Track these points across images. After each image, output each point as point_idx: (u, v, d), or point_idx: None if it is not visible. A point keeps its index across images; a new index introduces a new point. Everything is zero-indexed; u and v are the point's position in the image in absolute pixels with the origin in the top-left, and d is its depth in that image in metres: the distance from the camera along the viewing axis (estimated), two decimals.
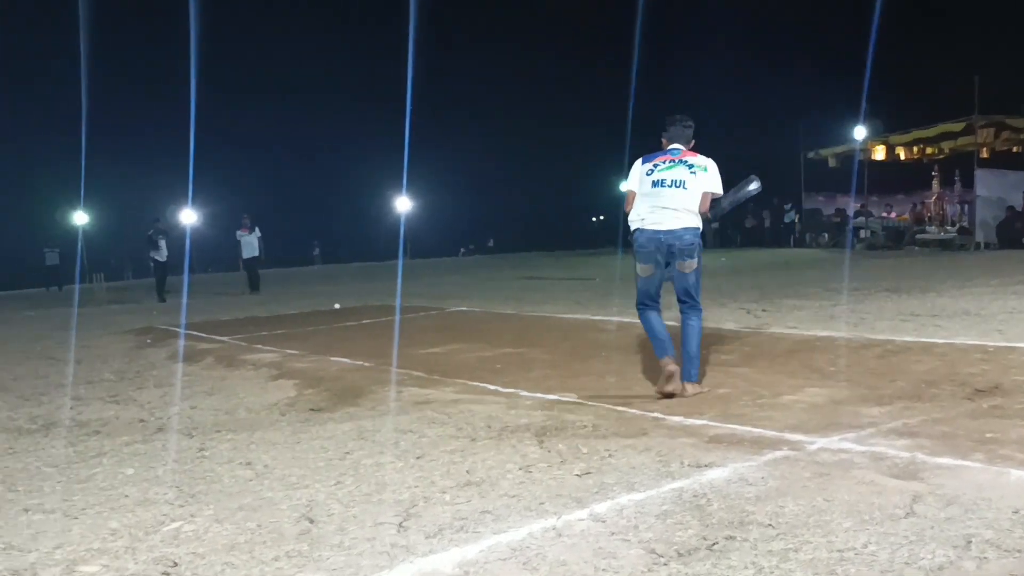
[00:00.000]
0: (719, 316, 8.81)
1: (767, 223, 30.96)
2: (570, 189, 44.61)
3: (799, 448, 3.68)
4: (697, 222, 5.21)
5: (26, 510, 3.52)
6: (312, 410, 5.20)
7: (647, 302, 5.45)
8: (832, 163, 25.91)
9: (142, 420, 5.25)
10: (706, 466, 3.49)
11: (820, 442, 3.75)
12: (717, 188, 5.28)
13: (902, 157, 25.37)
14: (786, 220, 29.58)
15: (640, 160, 5.40)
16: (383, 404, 5.25)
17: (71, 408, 5.83)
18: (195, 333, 10.31)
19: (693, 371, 5.15)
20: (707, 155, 5.35)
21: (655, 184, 5.21)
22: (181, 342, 9.43)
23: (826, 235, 26.10)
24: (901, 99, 27.69)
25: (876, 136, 24.06)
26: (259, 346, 8.59)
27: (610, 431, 4.18)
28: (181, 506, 3.44)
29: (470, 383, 5.75)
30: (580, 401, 4.96)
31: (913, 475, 3.21)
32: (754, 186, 5.67)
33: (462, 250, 44.99)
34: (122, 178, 35.89)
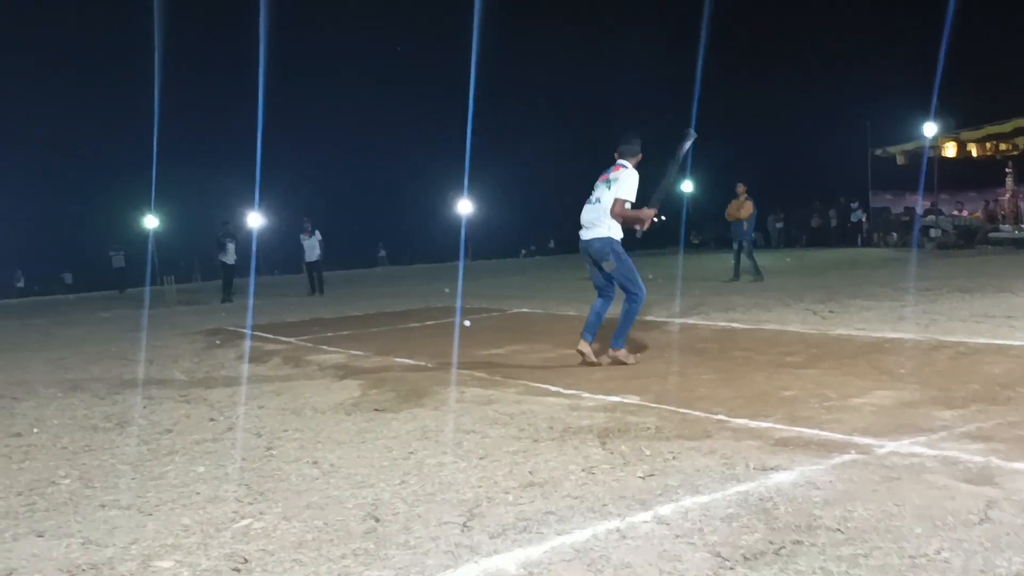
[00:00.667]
0: (784, 317, 8.69)
1: (833, 222, 30.40)
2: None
3: (868, 452, 3.61)
4: (605, 232, 6.33)
5: (103, 506, 3.63)
6: (376, 410, 5.27)
7: (598, 291, 6.79)
8: (900, 160, 25.32)
9: (212, 419, 5.38)
10: (772, 469, 3.44)
11: (890, 446, 3.67)
12: (624, 194, 6.30)
13: (974, 154, 24.68)
14: (853, 219, 29.01)
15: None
16: (446, 404, 5.29)
17: (144, 407, 5.99)
18: (262, 334, 10.51)
19: (618, 341, 6.49)
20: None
21: (589, 202, 6.50)
22: (248, 343, 9.62)
23: (895, 234, 25.52)
24: (973, 94, 26.95)
25: (947, 132, 23.44)
26: (324, 347, 8.72)
27: (673, 433, 4.15)
28: (250, 503, 3.51)
29: (532, 384, 5.76)
30: (643, 403, 4.93)
31: (988, 480, 3.13)
32: (689, 141, 6.80)
33: (523, 251, 45.04)
34: (191, 182, 36.75)
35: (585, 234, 6.47)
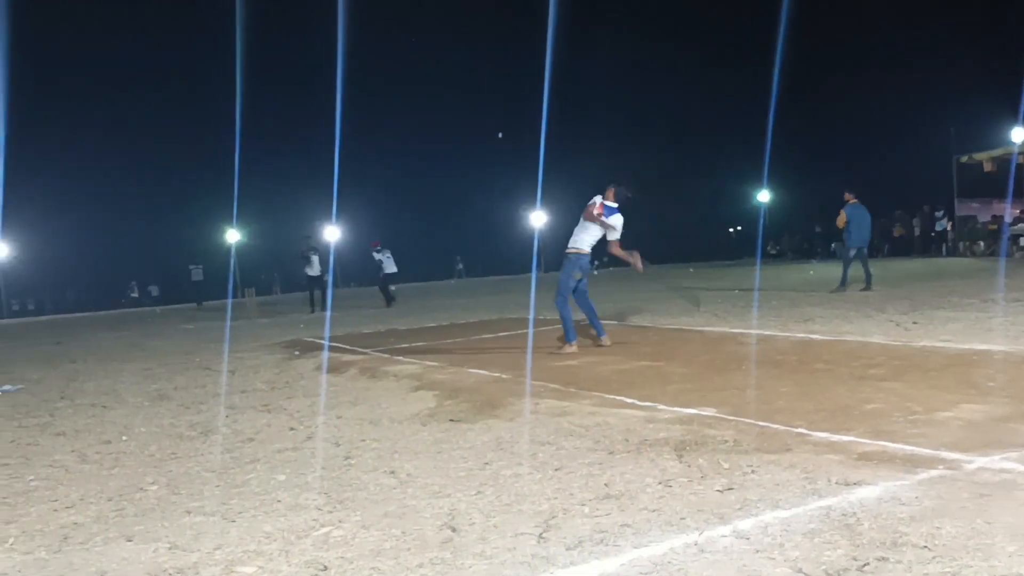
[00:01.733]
0: (865, 328, 8.48)
1: (917, 231, 29.56)
2: (706, 199, 43.94)
3: (956, 467, 3.49)
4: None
5: (188, 512, 3.73)
6: (452, 421, 5.30)
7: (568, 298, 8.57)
8: (987, 167, 24.51)
9: (292, 428, 5.48)
10: (855, 484, 3.36)
11: (979, 461, 3.55)
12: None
13: None
14: (937, 228, 28.16)
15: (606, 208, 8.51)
16: (520, 416, 5.30)
17: (227, 416, 6.14)
18: (339, 345, 10.68)
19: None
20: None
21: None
22: (326, 354, 9.79)
23: (982, 243, 24.69)
24: None
25: None
26: (400, 358, 8.83)
27: (752, 446, 4.08)
28: (330, 512, 3.56)
29: (607, 396, 5.73)
30: (720, 415, 4.86)
31: None
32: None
33: (596, 263, 44.92)
34: (270, 198, 37.65)
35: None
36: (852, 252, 14.16)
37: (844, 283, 13.76)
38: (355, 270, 37.33)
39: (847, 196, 14.29)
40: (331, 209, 21.96)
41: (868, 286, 13.50)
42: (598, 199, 8.52)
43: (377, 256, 20.54)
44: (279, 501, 3.79)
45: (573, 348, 8.29)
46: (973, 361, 6.11)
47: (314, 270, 19.47)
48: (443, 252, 42.78)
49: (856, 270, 13.94)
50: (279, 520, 3.51)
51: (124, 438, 5.57)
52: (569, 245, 8.55)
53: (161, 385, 8.08)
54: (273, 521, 3.50)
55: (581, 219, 8.51)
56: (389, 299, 20.01)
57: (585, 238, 8.50)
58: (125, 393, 7.71)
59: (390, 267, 20.51)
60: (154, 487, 4.22)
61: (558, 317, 8.59)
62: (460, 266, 42.64)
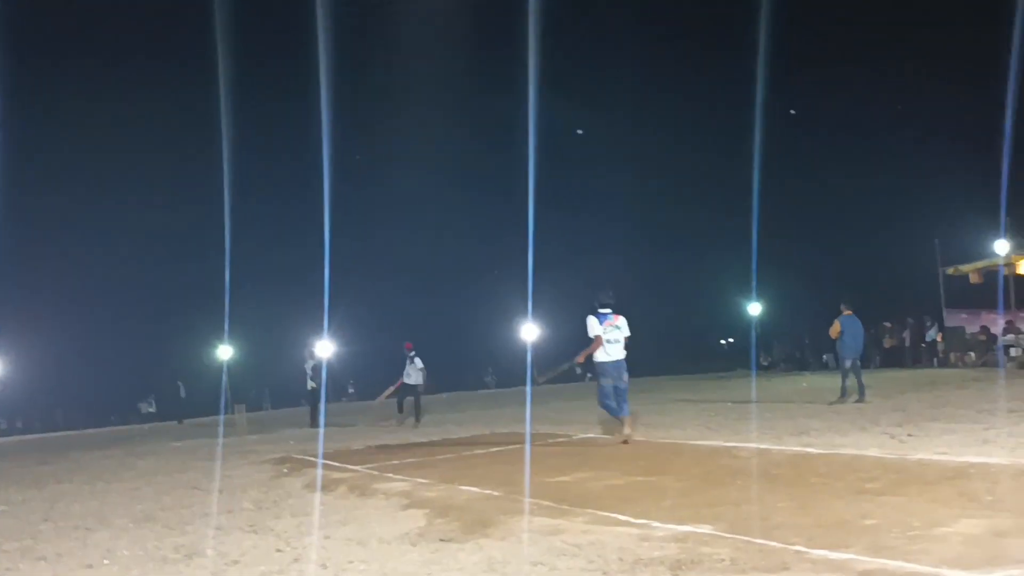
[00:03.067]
0: (860, 441, 8.42)
1: (907, 342, 29.67)
2: (695, 309, 44.15)
3: None
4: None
5: None
6: (442, 540, 5.19)
7: (611, 397, 10.15)
8: (974, 279, 24.82)
9: (279, 550, 5.35)
10: None
11: None
12: (628, 332, 10.26)
13: None
14: (928, 339, 28.28)
15: (596, 318, 10.07)
16: (513, 535, 5.19)
17: (212, 537, 6.00)
18: (329, 462, 10.52)
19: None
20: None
21: (608, 341, 10.03)
22: (316, 471, 9.64)
23: (972, 354, 24.77)
24: None
25: (1020, 250, 22.99)
26: (390, 475, 8.69)
27: (749, 565, 3.99)
28: None
29: (600, 513, 5.63)
30: (715, 532, 4.77)
31: None
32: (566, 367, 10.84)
33: (588, 376, 44.74)
34: (260, 313, 37.70)
35: (616, 355, 10.12)
36: (848, 363, 14.16)
37: (844, 394, 13.74)
38: (348, 382, 37.18)
39: (843, 308, 14.40)
40: (323, 323, 21.92)
41: (861, 398, 13.46)
42: (591, 319, 10.09)
43: (409, 363, 17.89)
44: None
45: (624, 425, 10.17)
46: (971, 474, 6.05)
47: (315, 383, 19.37)
48: (438, 365, 42.63)
49: (851, 381, 13.92)
50: None
51: (106, 562, 5.43)
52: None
53: (147, 506, 7.92)
54: None
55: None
56: (417, 415, 17.48)
57: (603, 350, 10.03)
58: (110, 514, 7.55)
59: (414, 379, 17.90)
60: None
61: (551, 431, 9.18)
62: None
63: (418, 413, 17.55)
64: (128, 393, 38.28)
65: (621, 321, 10.09)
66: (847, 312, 14.29)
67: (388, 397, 18.48)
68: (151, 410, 36.09)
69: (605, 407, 10.20)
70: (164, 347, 37.74)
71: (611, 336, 10.03)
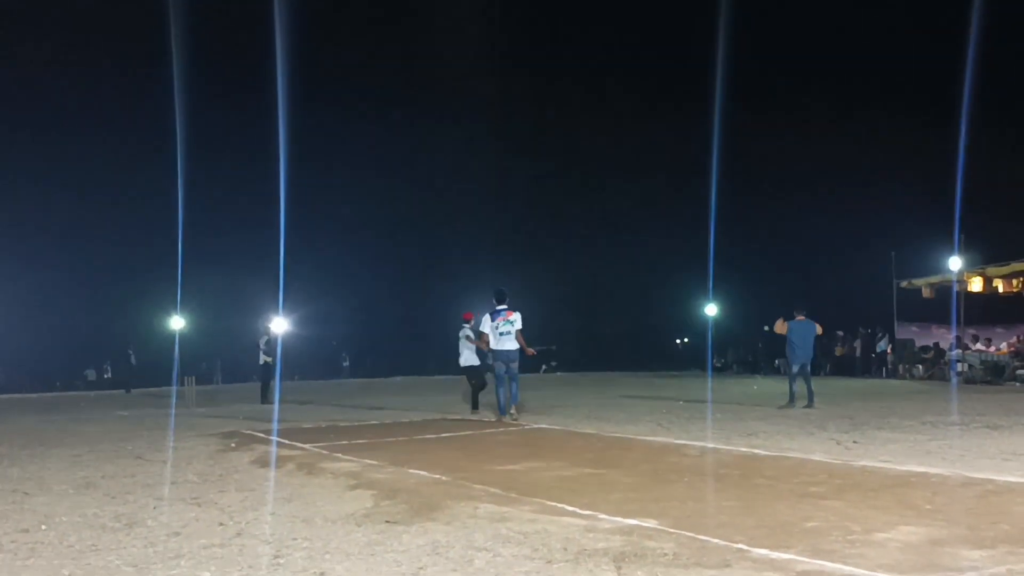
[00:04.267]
0: (807, 446, 8.54)
1: (858, 352, 30.15)
2: (652, 308, 44.43)
3: None
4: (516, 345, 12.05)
5: None
6: (388, 522, 5.17)
7: (503, 383, 12.16)
8: (926, 293, 25.27)
9: (221, 524, 5.29)
10: None
11: None
12: (520, 326, 12.04)
13: (1000, 289, 24.59)
14: (878, 349, 28.77)
15: (489, 315, 12.17)
16: (458, 520, 5.19)
17: (154, 508, 5.92)
18: (279, 439, 10.44)
19: (512, 405, 12.18)
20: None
21: (501, 333, 12.02)
22: (266, 447, 9.56)
23: (920, 367, 25.25)
24: (999, 230, 27.05)
25: (973, 267, 23.45)
26: (339, 455, 8.64)
27: (692, 560, 4.03)
28: None
29: (548, 503, 5.65)
30: (661, 527, 4.81)
31: None
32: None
33: (544, 367, 44.88)
34: (213, 285, 37.20)
35: (507, 345, 12.03)
36: (795, 368, 14.29)
37: (792, 399, 13.87)
38: (302, 361, 36.83)
39: (796, 313, 14.45)
40: (278, 297, 21.68)
41: (810, 403, 13.63)
42: (485, 317, 12.29)
43: (463, 334, 13.94)
44: None
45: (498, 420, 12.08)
46: (912, 483, 6.17)
47: (268, 358, 19.13)
48: (395, 350, 42.31)
49: (799, 387, 14.07)
50: None
51: (43, 527, 5.33)
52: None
53: (88, 473, 7.79)
54: None
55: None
56: (476, 396, 13.92)
57: (496, 341, 12.08)
58: (50, 480, 7.41)
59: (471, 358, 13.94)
60: None
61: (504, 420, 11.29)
62: (346, 363, 41.62)
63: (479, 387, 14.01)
64: (74, 359, 37.62)
65: (515, 316, 12.02)
66: (800, 317, 14.38)
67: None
68: (107, 376, 35.46)
69: (497, 396, 12.26)
70: (114, 314, 37.15)
71: (503, 329, 12.00)
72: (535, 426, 11.50)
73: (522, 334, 12.12)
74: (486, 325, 12.13)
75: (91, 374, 36.87)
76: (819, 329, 14.55)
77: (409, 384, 29.07)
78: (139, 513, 5.74)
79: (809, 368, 14.32)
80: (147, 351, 31.51)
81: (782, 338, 14.54)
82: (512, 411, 12.12)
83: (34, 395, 29.53)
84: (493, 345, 12.10)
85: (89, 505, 6.07)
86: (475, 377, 13.80)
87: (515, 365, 12.13)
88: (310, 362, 37.46)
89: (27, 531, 5.20)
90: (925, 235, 25.85)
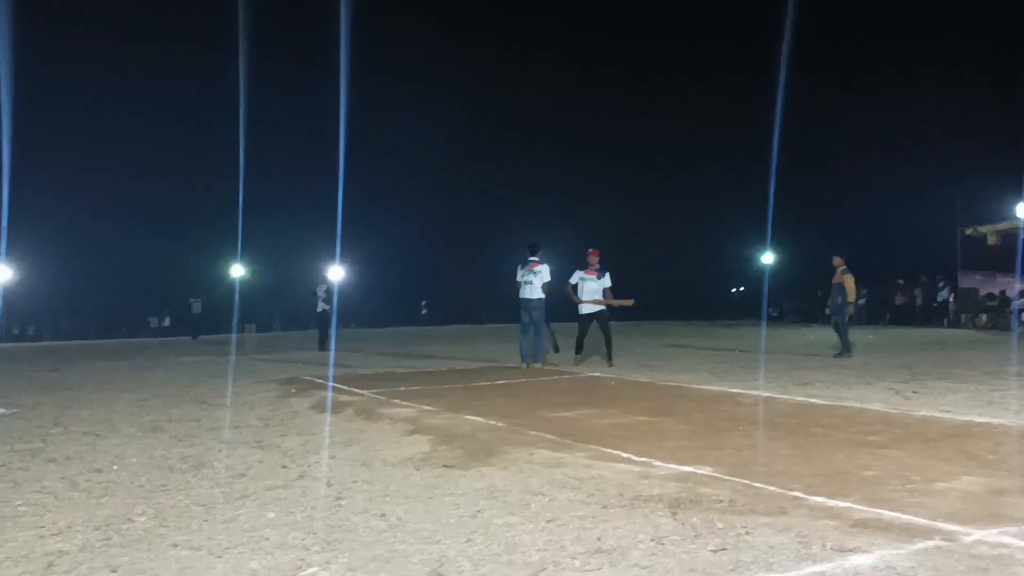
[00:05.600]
0: (865, 395, 8.44)
1: (919, 301, 29.58)
2: (709, 257, 44.03)
3: (953, 539, 3.45)
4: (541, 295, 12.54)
5: (175, 545, 3.68)
6: (445, 466, 5.26)
7: (526, 331, 12.65)
8: (992, 240, 24.60)
9: (284, 466, 5.44)
10: (850, 551, 3.32)
11: (977, 534, 3.51)
12: (547, 278, 12.50)
13: None
14: (939, 299, 28.19)
15: (520, 265, 12.71)
16: (515, 465, 5.26)
17: (220, 451, 6.09)
18: (337, 385, 10.64)
19: (541, 355, 12.78)
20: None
21: (525, 282, 12.58)
22: (325, 393, 9.75)
23: (983, 316, 24.69)
24: None
25: None
26: (397, 401, 8.79)
27: (747, 507, 4.04)
28: (318, 552, 3.52)
29: (602, 449, 5.69)
30: (716, 474, 4.82)
31: None
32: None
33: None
34: (276, 234, 37.77)
35: (529, 294, 12.54)
36: (843, 318, 14.11)
37: (848, 348, 13.73)
38: (360, 311, 37.31)
39: (837, 262, 14.20)
40: (335, 249, 21.94)
41: (837, 352, 13.50)
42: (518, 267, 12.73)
43: (576, 279, 12.96)
44: (267, 539, 3.74)
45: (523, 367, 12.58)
46: (973, 433, 6.08)
47: (326, 306, 19.46)
48: (412, 294, 42.60)
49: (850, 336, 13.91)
50: (266, 558, 3.46)
51: (115, 468, 5.52)
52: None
53: (155, 416, 8.04)
54: (260, 559, 3.46)
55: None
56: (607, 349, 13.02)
57: (521, 289, 12.63)
58: (119, 423, 7.66)
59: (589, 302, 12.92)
60: (142, 518, 4.17)
61: (557, 368, 11.26)
62: (425, 311, 42.02)
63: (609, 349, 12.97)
64: (139, 307, 38.63)
65: (541, 268, 12.48)
66: (842, 267, 14.13)
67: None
68: (166, 324, 36.37)
69: (520, 344, 12.78)
70: (176, 263, 37.95)
71: (527, 279, 12.51)
72: (589, 374, 11.54)
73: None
74: (519, 273, 12.65)
75: (154, 321, 37.84)
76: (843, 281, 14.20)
77: (464, 333, 29.32)
78: (205, 455, 5.92)
79: (844, 319, 14.08)
80: (209, 299, 32.23)
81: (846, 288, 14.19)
82: (531, 362, 12.63)
83: (101, 342, 30.45)
84: (519, 294, 12.60)
85: (157, 447, 6.28)
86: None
87: (537, 314, 12.51)
88: (372, 309, 37.96)
89: (100, 471, 5.40)
90: (991, 180, 25.11)
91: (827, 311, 14.21)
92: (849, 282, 14.04)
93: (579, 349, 13.10)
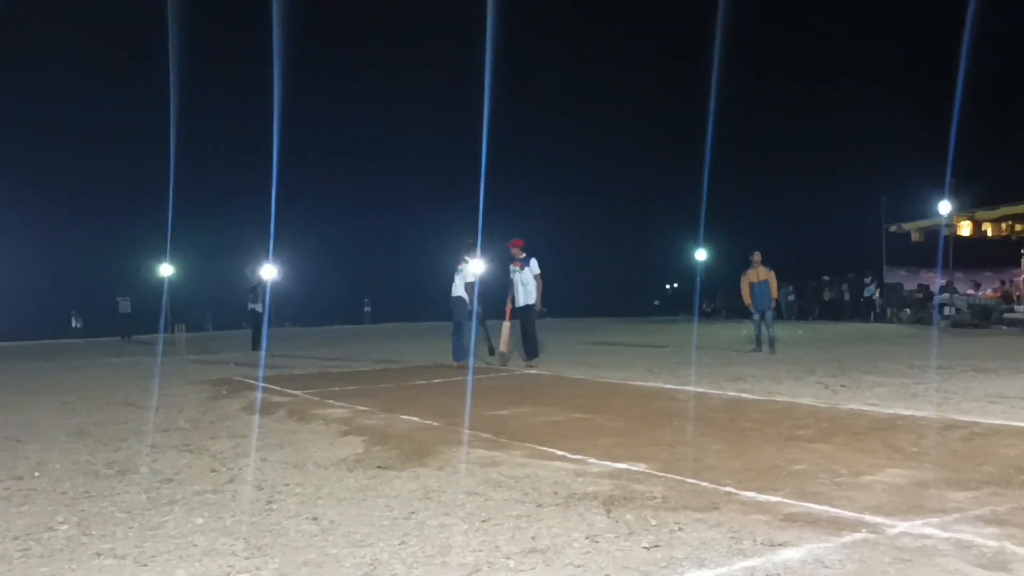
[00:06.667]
0: (795, 390, 8.61)
1: (846, 296, 30.30)
2: (642, 254, 44.52)
3: (879, 531, 3.53)
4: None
5: (98, 554, 3.57)
6: (379, 467, 5.21)
7: (457, 331, 12.49)
8: (916, 237, 25.33)
9: (214, 470, 5.32)
10: (780, 545, 3.37)
11: (902, 526, 3.59)
12: (469, 279, 12.58)
13: (989, 234, 24.65)
14: (866, 294, 28.92)
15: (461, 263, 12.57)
16: (450, 465, 5.23)
17: (147, 455, 5.94)
18: (269, 386, 10.47)
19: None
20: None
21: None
22: (255, 394, 9.59)
23: (908, 310, 25.41)
24: (989, 174, 27.08)
25: (962, 211, 23.48)
26: (330, 401, 8.68)
27: (680, 503, 4.07)
28: (247, 558, 3.45)
29: (538, 447, 5.69)
30: (649, 471, 4.86)
31: (1002, 566, 3.05)
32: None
33: (543, 311, 44.95)
34: (204, 233, 37.05)
35: (458, 292, 12.60)
36: (756, 316, 14.46)
37: (758, 344, 14.09)
38: (292, 309, 36.80)
39: (756, 257, 14.55)
40: (268, 245, 21.55)
41: (769, 349, 13.78)
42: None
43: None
44: (195, 545, 3.65)
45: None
46: (898, 426, 6.23)
47: (259, 307, 19.14)
48: (355, 295, 42.27)
49: (764, 332, 14.22)
50: (194, 565, 3.38)
51: (36, 474, 5.35)
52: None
53: (80, 420, 7.81)
54: (187, 566, 3.37)
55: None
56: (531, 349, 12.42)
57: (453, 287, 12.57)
58: (41, 427, 7.43)
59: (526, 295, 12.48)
60: (64, 527, 4.04)
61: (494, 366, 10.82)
62: (367, 309, 41.76)
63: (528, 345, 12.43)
64: (64, 308, 37.49)
65: (465, 267, 12.51)
66: (758, 262, 14.49)
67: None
68: (78, 325, 35.27)
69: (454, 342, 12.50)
70: (104, 262, 36.97)
71: (456, 279, 12.57)
72: (525, 372, 11.56)
73: (472, 287, 12.60)
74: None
75: (77, 321, 36.73)
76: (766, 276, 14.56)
77: (404, 331, 29.15)
78: (132, 460, 5.76)
79: (770, 315, 14.42)
80: (138, 299, 31.47)
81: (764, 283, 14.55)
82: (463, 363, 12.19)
83: (22, 343, 29.51)
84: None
85: (81, 452, 6.09)
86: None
87: (468, 311, 12.50)
88: (312, 308, 37.51)
89: (21, 478, 5.22)
90: (915, 180, 25.86)
91: (753, 307, 14.41)
92: (774, 278, 14.40)
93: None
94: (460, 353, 12.33)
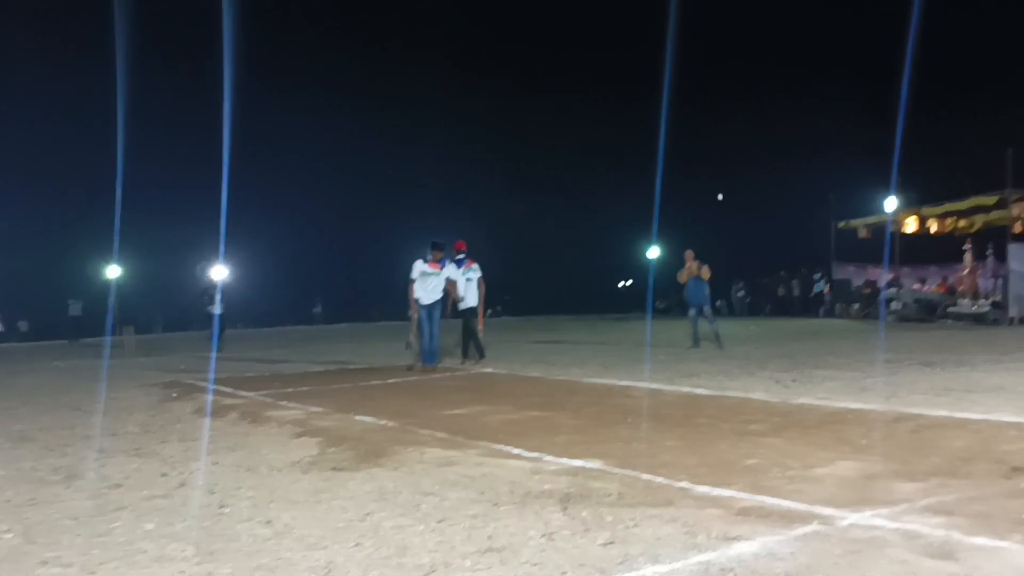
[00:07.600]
0: (748, 385, 8.70)
1: (796, 292, 30.75)
2: (596, 251, 44.66)
3: (830, 523, 3.58)
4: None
5: (44, 563, 3.49)
6: (334, 469, 5.16)
7: (424, 333, 12.05)
8: (862, 233, 25.78)
9: (164, 474, 5.23)
10: (734, 539, 3.40)
11: (852, 518, 3.65)
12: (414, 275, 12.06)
13: (934, 229, 25.17)
14: (816, 290, 29.37)
15: (422, 262, 12.05)
16: (405, 465, 5.19)
17: (94, 460, 5.82)
18: (221, 388, 10.32)
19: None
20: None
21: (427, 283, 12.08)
22: (206, 396, 9.44)
23: (856, 305, 25.86)
24: (933, 171, 27.64)
25: (907, 208, 23.96)
26: (284, 402, 8.58)
27: (636, 500, 4.10)
28: (198, 564, 3.39)
29: (494, 446, 5.69)
30: (605, 468, 4.87)
31: (948, 555, 3.11)
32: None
33: (488, 311, 44.96)
34: (153, 234, 36.37)
35: (435, 294, 12.11)
36: (692, 312, 14.62)
37: (695, 341, 14.24)
38: (243, 310, 36.33)
39: (689, 255, 14.74)
40: (219, 246, 21.19)
41: (716, 344, 13.96)
42: (416, 262, 12.05)
43: (458, 273, 12.69)
44: (145, 552, 3.58)
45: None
46: (848, 419, 6.33)
47: (216, 308, 18.83)
48: (304, 294, 41.90)
49: (704, 328, 14.38)
50: (143, 572, 3.32)
51: None
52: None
53: (25, 426, 7.62)
54: (137, 573, 3.31)
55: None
56: (477, 349, 12.61)
57: (422, 289, 12.03)
58: None
59: (471, 298, 12.75)
60: (8, 535, 3.94)
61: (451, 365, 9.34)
62: (317, 309, 41.40)
63: (477, 345, 12.62)
64: (11, 311, 36.56)
65: (440, 269, 12.14)
66: (691, 259, 14.69)
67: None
68: (24, 328, 34.44)
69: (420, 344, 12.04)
70: (52, 265, 36.11)
71: (428, 280, 12.05)
72: (481, 370, 11.54)
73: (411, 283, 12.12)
74: (415, 271, 12.01)
75: (24, 325, 35.90)
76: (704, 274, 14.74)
77: (356, 331, 28.94)
78: (78, 465, 5.64)
79: (708, 309, 14.61)
80: (89, 302, 30.83)
81: (725, 282, 14.76)
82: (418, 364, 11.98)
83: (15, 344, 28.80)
84: (416, 293, 12.02)
85: (26, 458, 5.95)
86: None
87: (437, 314, 12.09)
88: (263, 309, 37.03)
89: None
90: (863, 177, 26.29)
91: (691, 304, 14.58)
92: (707, 271, 14.60)
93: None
94: (429, 356, 11.97)
